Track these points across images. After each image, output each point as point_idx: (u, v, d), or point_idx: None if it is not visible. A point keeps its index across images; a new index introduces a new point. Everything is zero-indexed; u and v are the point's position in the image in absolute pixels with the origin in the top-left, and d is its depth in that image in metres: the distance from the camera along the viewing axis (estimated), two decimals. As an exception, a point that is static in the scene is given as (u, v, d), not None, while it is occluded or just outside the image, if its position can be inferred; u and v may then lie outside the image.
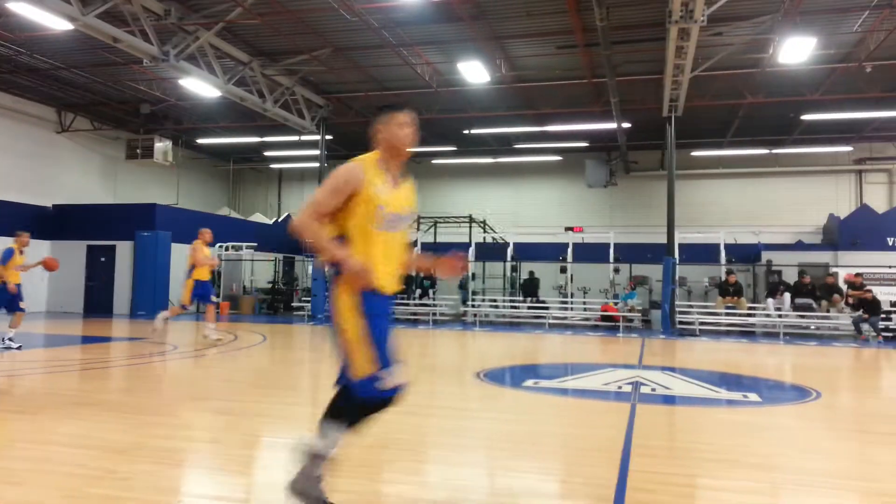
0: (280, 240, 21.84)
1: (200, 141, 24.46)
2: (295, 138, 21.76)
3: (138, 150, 20.60)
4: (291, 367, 9.79)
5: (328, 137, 20.66)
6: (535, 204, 25.49)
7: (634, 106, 18.22)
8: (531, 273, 20.10)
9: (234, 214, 25.88)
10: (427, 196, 26.57)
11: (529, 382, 7.78)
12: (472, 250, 21.25)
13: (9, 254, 9.61)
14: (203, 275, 11.26)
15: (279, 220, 25.52)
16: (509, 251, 21.16)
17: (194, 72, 14.81)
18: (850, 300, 16.12)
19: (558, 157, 24.64)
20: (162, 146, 20.73)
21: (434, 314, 18.49)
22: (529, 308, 18.78)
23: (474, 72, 15.48)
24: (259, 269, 22.68)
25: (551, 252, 21.22)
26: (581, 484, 3.93)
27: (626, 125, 19.65)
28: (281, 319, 18.67)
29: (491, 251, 21.70)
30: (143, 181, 23.87)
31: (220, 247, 21.03)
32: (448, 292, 20.04)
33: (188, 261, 11.43)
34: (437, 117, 20.09)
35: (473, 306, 19.11)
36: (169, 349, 10.56)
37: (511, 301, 19.57)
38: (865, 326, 15.36)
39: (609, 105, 17.26)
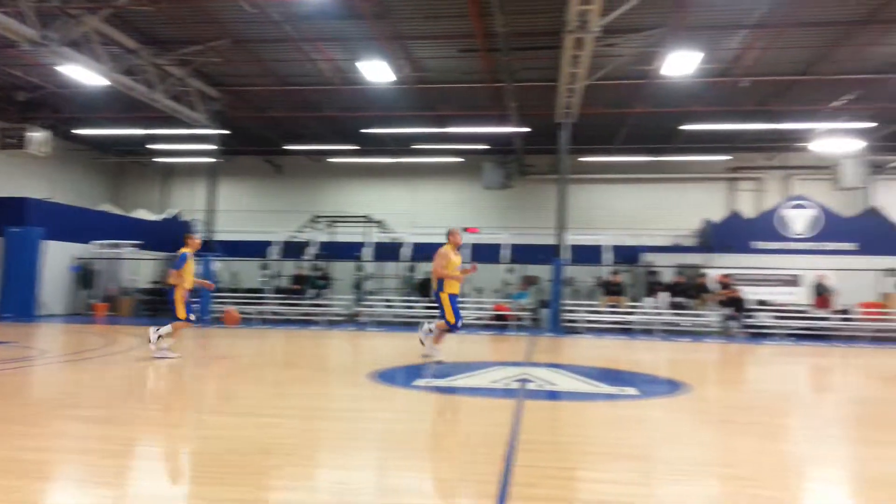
0: (167, 238, 20.82)
1: (81, 131, 22.91)
2: (186, 132, 20.82)
3: (11, 140, 19.02)
4: (170, 372, 9.37)
5: (223, 132, 19.92)
6: (433, 204, 25.71)
7: (531, 111, 18.76)
8: (427, 273, 20.25)
9: (115, 210, 24.44)
10: (324, 195, 26.20)
11: (421, 382, 7.85)
12: (368, 250, 21.17)
13: (183, 259, 9.34)
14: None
15: (166, 218, 24.32)
16: (406, 251, 21.21)
17: (77, 58, 13.85)
18: (720, 299, 17.35)
19: (458, 159, 24.98)
20: (38, 136, 19.23)
21: (328, 315, 18.25)
22: (425, 308, 18.91)
23: (376, 70, 15.43)
24: (141, 268, 21.53)
25: (448, 252, 21.46)
26: (467, 481, 4.02)
27: (523, 129, 20.20)
28: (163, 321, 17.79)
29: (387, 251, 21.68)
30: (17, 173, 22.08)
31: (97, 244, 19.83)
32: (342, 292, 19.84)
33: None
34: (337, 115, 19.85)
35: (368, 307, 19.02)
36: (36, 354, 9.83)
37: (406, 301, 19.64)
38: (732, 323, 16.62)
39: (507, 109, 17.68)
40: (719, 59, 15.57)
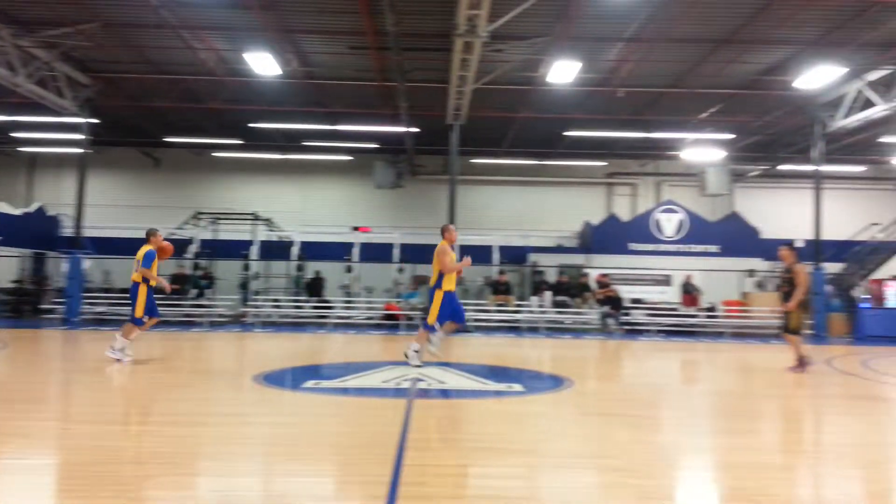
0: (31, 233, 19.23)
1: (-74, 115, 20.65)
2: (54, 119, 19.27)
3: None
4: (36, 376, 8.67)
5: (93, 121, 18.60)
6: (323, 203, 25.30)
7: (422, 111, 18.88)
8: (317, 272, 19.92)
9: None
10: (208, 190, 25.10)
11: (310, 383, 7.71)
12: (255, 248, 20.51)
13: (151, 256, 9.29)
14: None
15: (31, 212, 22.42)
16: (295, 250, 20.73)
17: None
18: (599, 297, 18.25)
19: (348, 157, 24.71)
20: None
21: (211, 316, 17.52)
22: (313, 308, 18.59)
23: (263, 63, 14.94)
24: (1, 265, 19.75)
25: (338, 251, 21.22)
26: (356, 482, 3.99)
27: (413, 130, 20.29)
28: (27, 323, 16.44)
29: (276, 250, 21.11)
30: None
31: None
32: (227, 292, 19.12)
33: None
34: (220, 107, 19.07)
35: (254, 307, 18.44)
36: None
37: (295, 301, 19.22)
38: (610, 320, 17.54)
39: (399, 109, 17.70)
40: (598, 69, 16.34)
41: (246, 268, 19.59)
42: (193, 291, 18.68)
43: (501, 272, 19.23)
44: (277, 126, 21.06)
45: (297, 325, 17.65)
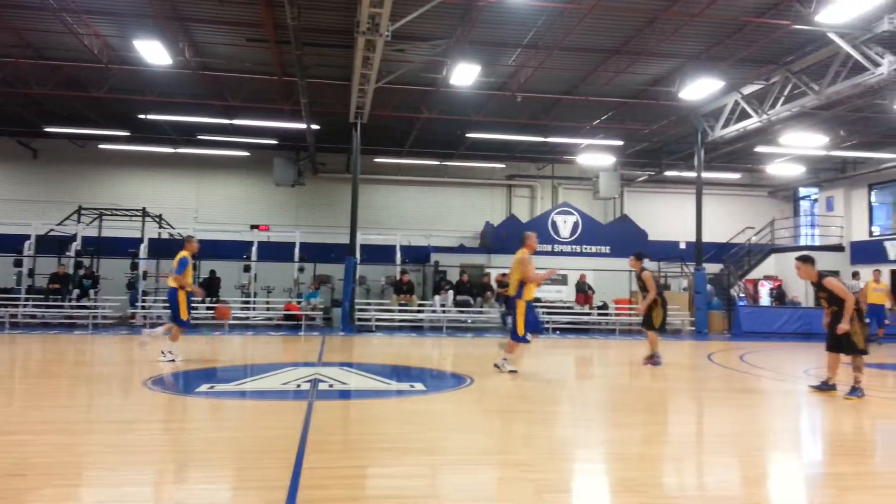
0: None
1: None
2: None
3: None
4: None
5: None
6: (219, 200, 24.38)
7: (324, 108, 18.59)
8: (212, 272, 19.20)
9: None
10: (92, 184, 23.60)
11: (204, 387, 7.42)
12: (144, 247, 19.49)
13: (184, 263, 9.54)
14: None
15: None
16: (188, 248, 19.84)
17: None
18: (499, 296, 18.67)
19: (246, 153, 23.94)
20: None
21: (95, 317, 16.50)
22: (209, 308, 17.90)
23: (153, 52, 14.19)
24: None
25: (235, 250, 20.55)
26: (253, 488, 3.89)
27: (315, 127, 19.94)
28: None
29: (167, 248, 20.16)
30: None
31: None
32: (113, 293, 18.07)
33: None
34: (106, 97, 17.96)
35: (144, 308, 17.54)
36: None
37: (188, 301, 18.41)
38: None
39: (299, 105, 17.34)
40: (499, 73, 16.71)
41: (134, 267, 18.56)
42: (76, 292, 17.55)
43: (404, 272, 19.28)
44: (169, 118, 20.10)
45: (191, 327, 16.96)
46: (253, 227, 21.93)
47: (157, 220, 21.31)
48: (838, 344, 7.74)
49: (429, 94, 17.88)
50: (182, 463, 4.41)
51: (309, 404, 6.35)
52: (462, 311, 18.64)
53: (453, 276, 19.96)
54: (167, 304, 10.10)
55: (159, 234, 21.24)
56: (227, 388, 7.56)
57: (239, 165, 24.43)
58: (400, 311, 18.38)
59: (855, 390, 7.62)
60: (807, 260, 8.15)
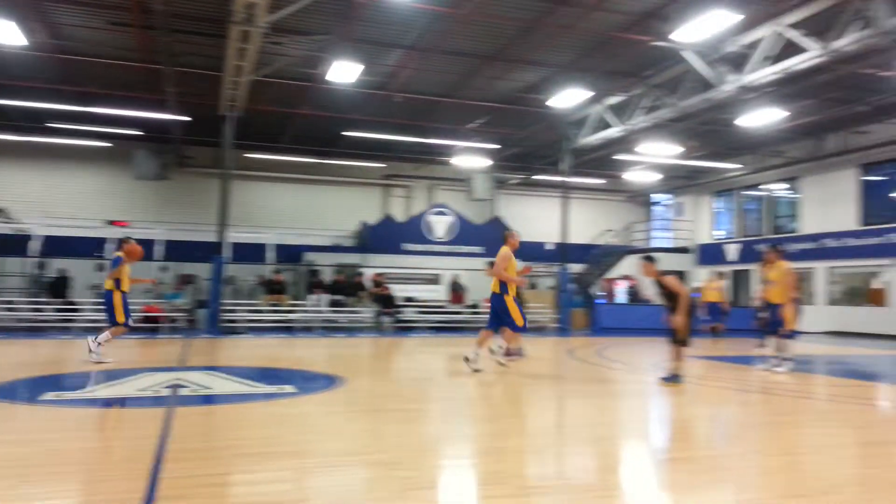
0: None
1: None
2: None
3: None
4: None
5: None
6: (71, 193, 22.54)
7: (193, 99, 17.70)
8: (61, 271, 17.72)
9: None
10: (-83, 171, 21.06)
11: (50, 395, 6.83)
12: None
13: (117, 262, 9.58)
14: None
15: None
16: (35, 245, 18.22)
17: None
18: (373, 296, 18.63)
19: (105, 144, 22.28)
20: None
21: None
22: (56, 310, 16.51)
23: (6, 32, 12.81)
24: None
25: (89, 247, 19.08)
26: (103, 502, 3.64)
27: (183, 118, 18.94)
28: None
29: (10, 244, 18.38)
30: None
31: None
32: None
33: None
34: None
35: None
36: None
37: (34, 303, 16.90)
38: (384, 318, 18.00)
39: (166, 95, 16.40)
40: (378, 73, 16.68)
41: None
42: None
43: (276, 271, 18.75)
44: (15, 103, 18.32)
45: (35, 331, 15.57)
46: (109, 222, 20.48)
47: (0, 213, 19.39)
48: (679, 336, 8.25)
49: (307, 89, 17.52)
50: (22, 477, 4.03)
51: (168, 411, 6.02)
52: (336, 311, 18.42)
53: (328, 275, 19.70)
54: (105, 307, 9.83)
55: (1, 228, 19.34)
56: (76, 395, 7.01)
57: (97, 157, 22.74)
58: (270, 311, 17.86)
59: (674, 377, 8.25)
60: (649, 259, 8.74)
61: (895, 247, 19.16)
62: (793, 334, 10.22)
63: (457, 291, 20.40)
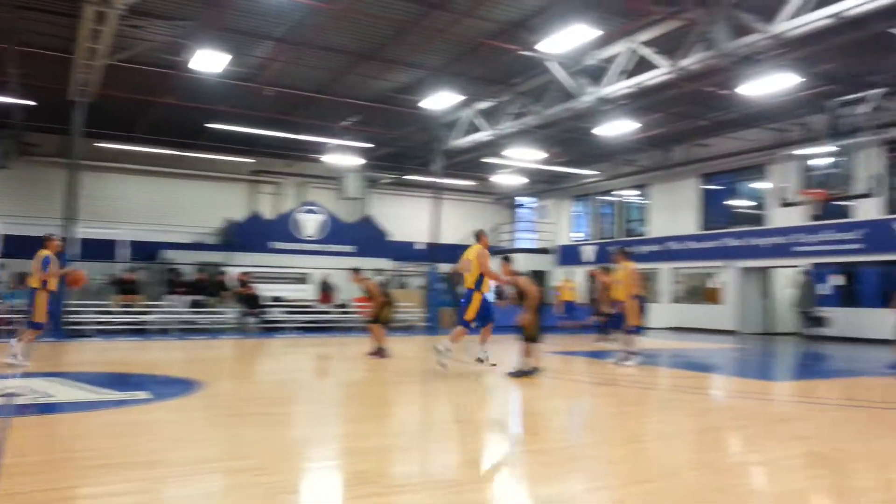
0: None
1: None
2: None
3: None
4: None
5: None
6: None
7: (39, 82, 16.16)
8: None
9: None
10: None
11: None
12: None
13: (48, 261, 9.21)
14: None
15: None
16: None
17: None
18: (237, 296, 17.99)
19: (-75, 125, 19.85)
20: None
21: None
22: None
23: None
24: None
25: None
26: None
27: (25, 102, 17.27)
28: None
29: None
30: None
31: None
32: None
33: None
34: None
35: None
36: None
37: None
38: (249, 318, 17.40)
39: (7, 75, 14.88)
40: (247, 64, 16.09)
41: None
42: None
43: (130, 269, 17.57)
44: None
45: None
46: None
47: None
48: (529, 333, 8.76)
49: (168, 77, 16.54)
50: None
51: (2, 423, 5.50)
52: (196, 312, 17.58)
53: (189, 274, 18.75)
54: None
55: None
56: None
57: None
58: (122, 313, 16.72)
59: (522, 372, 8.79)
60: (506, 259, 9.37)
61: (729, 250, 21.15)
62: (637, 329, 10.96)
63: (326, 291, 20.14)
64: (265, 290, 18.90)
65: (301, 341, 15.39)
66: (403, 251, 25.30)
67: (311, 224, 22.56)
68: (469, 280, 9.40)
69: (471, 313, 9.30)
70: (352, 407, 7.26)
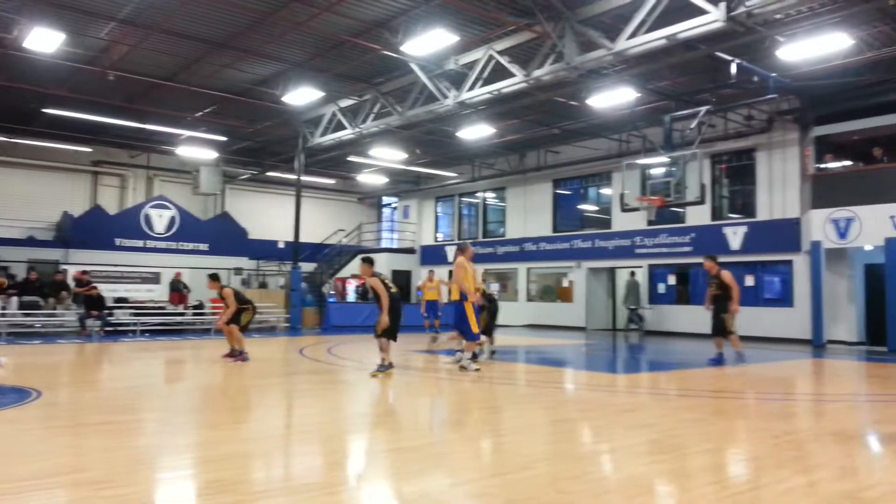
0: None
1: None
2: None
3: None
4: None
5: None
6: None
7: None
8: None
9: None
10: None
11: None
12: None
13: None
14: None
15: None
16: None
17: None
18: (77, 297, 16.59)
19: None
20: None
21: None
22: None
23: None
24: None
25: None
26: None
27: None
28: None
29: None
30: None
31: None
32: None
33: None
34: None
35: None
36: None
37: None
38: (90, 321, 16.04)
39: None
40: (87, 46, 14.86)
41: None
42: None
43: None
44: None
45: None
46: None
47: None
48: (383, 331, 9.06)
49: (-4, 54, 14.89)
50: None
51: None
52: (28, 315, 15.99)
53: (19, 272, 17.04)
54: None
55: None
56: None
57: None
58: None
59: (382, 367, 9.08)
60: (366, 261, 9.43)
61: (579, 251, 22.48)
62: (471, 328, 10.94)
63: (178, 291, 19.06)
64: (109, 291, 17.56)
65: (150, 345, 14.46)
66: (264, 250, 24.53)
67: (160, 220, 21.26)
68: (455, 293, 9.94)
69: (474, 326, 9.65)
70: (206, 413, 6.95)
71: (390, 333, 9.08)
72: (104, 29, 14.12)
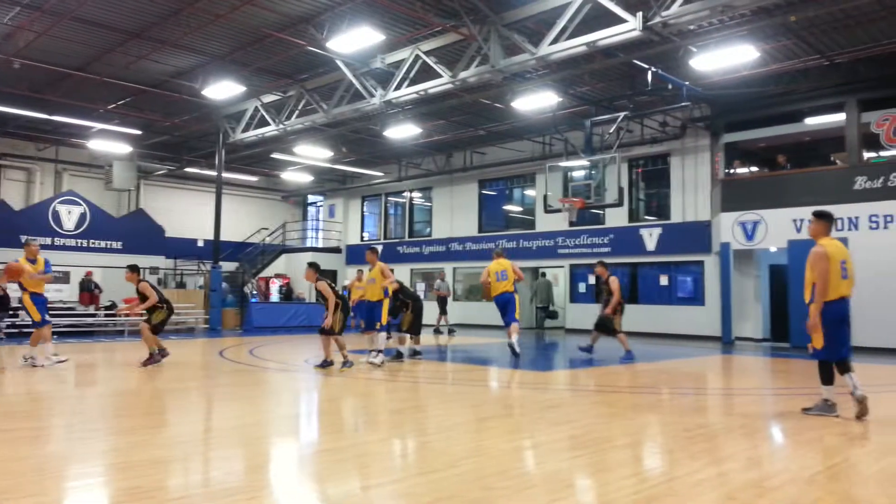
0: None
1: None
2: None
3: None
4: None
5: None
6: None
7: None
8: None
9: None
10: None
11: None
12: None
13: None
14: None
15: None
16: None
17: None
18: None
19: None
20: None
21: None
22: None
23: None
24: None
25: None
26: None
27: None
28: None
29: None
30: None
31: None
32: None
33: None
34: None
35: None
36: None
37: None
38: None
39: None
40: (-12, 31, 13.99)
41: None
42: None
43: None
44: None
45: None
46: None
47: None
48: (324, 330, 9.91)
49: None
50: None
51: None
52: (-81, 317, 14.85)
53: None
54: None
55: None
56: None
57: None
58: None
59: (326, 363, 9.84)
60: (311, 266, 10.16)
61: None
62: (385, 328, 10.87)
63: (89, 291, 18.16)
64: (14, 291, 16.48)
65: (59, 348, 13.69)
66: (182, 248, 23.73)
67: (70, 217, 20.20)
68: (378, 293, 10.56)
69: (385, 318, 10.60)
70: (120, 419, 6.66)
71: (333, 331, 9.83)
72: (8, 14, 13.31)
